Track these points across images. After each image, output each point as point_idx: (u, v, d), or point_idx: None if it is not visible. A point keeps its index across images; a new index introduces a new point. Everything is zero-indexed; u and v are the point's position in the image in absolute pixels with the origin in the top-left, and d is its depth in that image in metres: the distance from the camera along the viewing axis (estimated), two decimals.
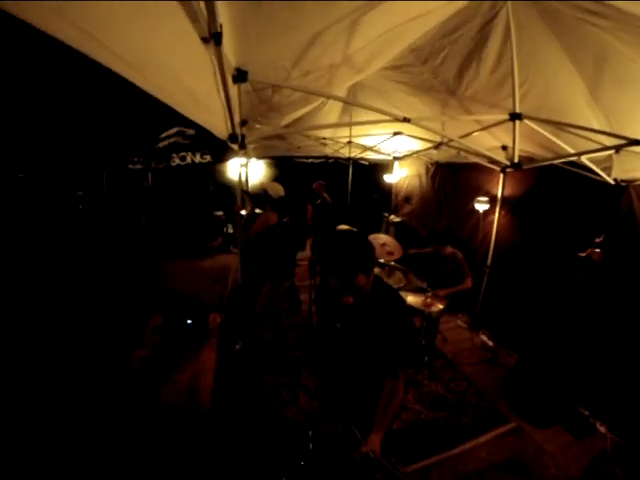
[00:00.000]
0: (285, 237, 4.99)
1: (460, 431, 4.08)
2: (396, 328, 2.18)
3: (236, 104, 3.01)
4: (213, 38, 1.62)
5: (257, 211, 5.68)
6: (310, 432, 3.31)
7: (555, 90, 3.55)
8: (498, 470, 3.59)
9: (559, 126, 3.62)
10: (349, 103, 4.10)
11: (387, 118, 3.43)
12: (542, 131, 3.61)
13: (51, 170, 9.03)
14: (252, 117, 4.04)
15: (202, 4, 1.42)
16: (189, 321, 4.92)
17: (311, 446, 3.20)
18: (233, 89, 2.72)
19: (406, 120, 3.25)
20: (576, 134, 3.61)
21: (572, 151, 3.71)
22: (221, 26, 1.58)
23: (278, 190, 4.97)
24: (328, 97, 3.83)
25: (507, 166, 5.58)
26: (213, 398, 3.67)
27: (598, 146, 3.53)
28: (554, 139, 3.71)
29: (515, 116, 3.22)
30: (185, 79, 2.14)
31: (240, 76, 2.54)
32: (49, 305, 5.81)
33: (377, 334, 2.20)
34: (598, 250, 4.65)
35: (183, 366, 4.11)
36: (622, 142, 3.01)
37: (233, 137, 3.23)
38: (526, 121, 3.29)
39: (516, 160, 3.47)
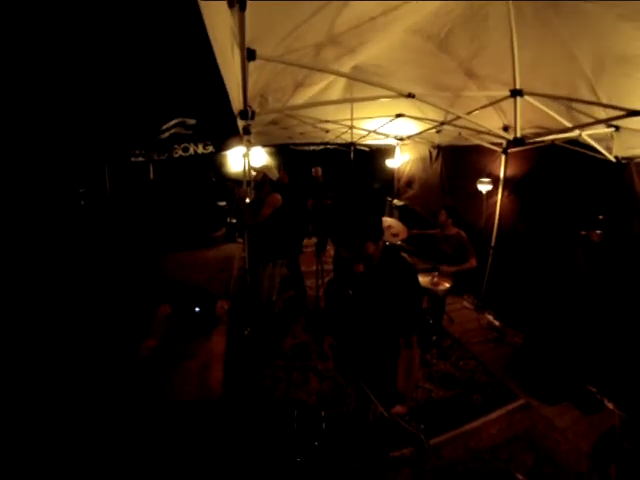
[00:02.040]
0: (287, 218, 5.01)
1: (470, 408, 4.10)
2: (407, 294, 2.22)
3: (248, 82, 3.01)
4: (238, 3, 1.66)
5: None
6: (323, 412, 3.34)
7: (558, 67, 3.57)
8: (509, 445, 3.61)
9: (561, 102, 3.64)
10: (351, 78, 4.09)
11: (390, 94, 3.43)
12: (544, 107, 3.61)
13: (52, 167, 9.01)
14: (259, 100, 4.06)
15: None
16: (197, 309, 4.96)
17: (324, 426, 3.24)
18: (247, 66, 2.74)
19: (410, 96, 3.25)
20: (578, 110, 3.63)
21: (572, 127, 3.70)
22: None
23: (274, 174, 5.03)
24: (330, 72, 3.82)
25: (508, 146, 5.60)
26: (224, 383, 3.70)
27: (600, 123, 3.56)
28: (556, 116, 3.70)
29: (516, 92, 3.22)
30: (222, 43, 2.19)
31: (250, 54, 2.55)
32: (55, 299, 5.83)
33: (388, 300, 2.23)
34: (598, 231, 4.68)
35: (193, 353, 4.15)
36: (620, 113, 3.02)
37: (244, 113, 3.22)
38: (527, 97, 3.28)
39: (518, 135, 3.46)
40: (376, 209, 2.16)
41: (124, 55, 9.65)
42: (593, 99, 3.50)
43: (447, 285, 4.90)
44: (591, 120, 3.54)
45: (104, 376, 3.89)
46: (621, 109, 2.98)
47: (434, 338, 5.15)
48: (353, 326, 2.61)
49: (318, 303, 5.88)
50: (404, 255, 5.49)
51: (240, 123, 4.29)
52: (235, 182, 6.13)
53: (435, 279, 4.93)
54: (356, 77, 4.28)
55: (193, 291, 5.34)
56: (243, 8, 1.68)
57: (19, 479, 2.84)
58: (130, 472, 2.89)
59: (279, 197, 4.86)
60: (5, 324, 4.68)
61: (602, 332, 4.51)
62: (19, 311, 5.17)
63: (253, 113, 3.40)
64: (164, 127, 9.76)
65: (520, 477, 2.99)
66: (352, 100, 4.10)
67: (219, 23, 1.90)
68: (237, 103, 3.28)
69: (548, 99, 3.66)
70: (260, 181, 5.00)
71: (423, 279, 4.98)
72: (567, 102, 3.75)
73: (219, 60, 2.30)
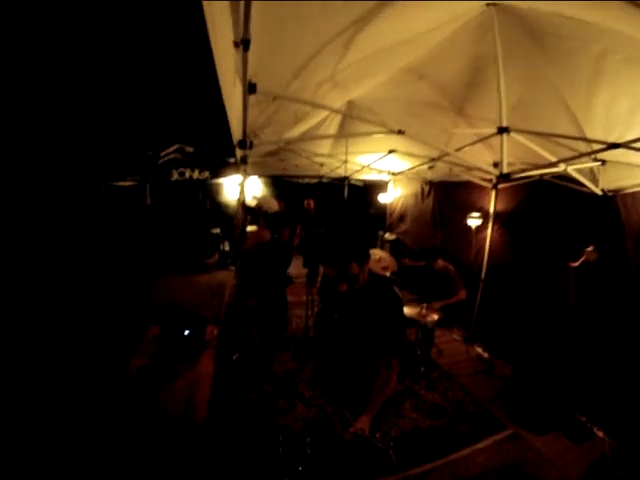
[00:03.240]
0: (274, 254, 5.05)
1: (457, 438, 4.08)
2: (388, 317, 2.32)
3: (248, 114, 3.14)
4: (243, 44, 1.82)
5: (249, 228, 5.77)
6: (308, 439, 3.33)
7: (545, 105, 3.78)
8: (497, 475, 3.59)
9: (545, 137, 3.78)
10: (347, 115, 4.23)
11: (382, 129, 3.56)
12: (531, 144, 3.75)
13: (52, 182, 9.15)
14: (255, 132, 4.17)
15: (242, 11, 1.61)
16: (186, 332, 4.95)
17: (309, 451, 3.23)
18: (247, 99, 2.88)
19: (400, 132, 3.39)
20: (564, 145, 3.78)
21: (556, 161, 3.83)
22: (251, 35, 1.80)
23: (273, 205, 5.07)
24: (324, 107, 3.96)
25: (498, 182, 5.73)
26: (210, 405, 3.69)
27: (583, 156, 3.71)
28: (542, 152, 3.87)
29: (503, 130, 3.35)
30: (231, 79, 2.31)
31: (251, 88, 2.69)
32: (49, 315, 5.86)
33: (371, 323, 2.34)
34: (591, 249, 4.77)
35: (180, 374, 4.13)
36: (601, 147, 3.18)
37: (242, 143, 3.34)
38: (513, 134, 3.40)
39: (505, 171, 3.58)
40: (364, 234, 2.28)
41: (130, 81, 9.92)
42: (578, 134, 3.67)
43: (435, 317, 4.96)
44: (575, 154, 3.66)
45: (91, 391, 3.89)
46: (602, 142, 3.11)
47: (422, 369, 5.17)
48: (336, 348, 2.67)
49: (307, 332, 5.89)
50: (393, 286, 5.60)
51: (238, 152, 4.40)
52: (248, 210, 6.20)
53: (424, 311, 4.99)
54: (351, 114, 4.45)
55: (183, 314, 5.34)
56: (246, 49, 1.85)
57: None
58: None
59: (267, 233, 4.96)
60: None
61: (590, 361, 4.55)
62: (16, 328, 5.20)
63: (251, 143, 3.51)
64: (163, 153, 9.96)
65: None
66: (346, 136, 4.25)
67: (225, 58, 2.06)
68: (237, 133, 3.40)
69: (535, 136, 3.80)
70: (255, 211, 5.07)
71: (412, 310, 5.04)
72: (554, 138, 3.89)
73: (223, 92, 2.47)
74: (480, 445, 4.00)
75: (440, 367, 5.55)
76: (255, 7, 1.73)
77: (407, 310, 5.05)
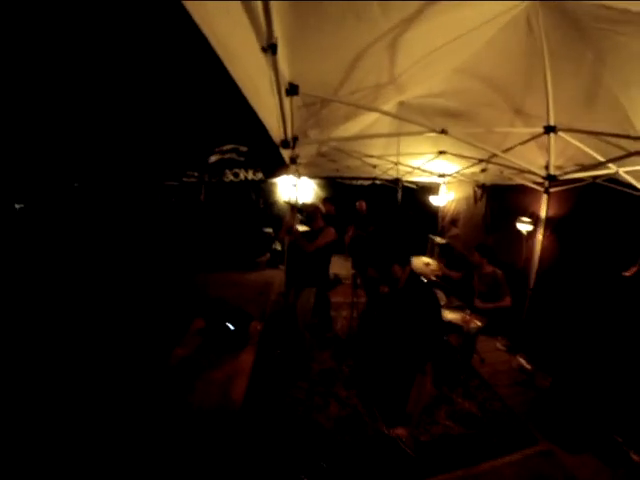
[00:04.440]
0: (330, 250, 5.17)
1: (488, 449, 4.00)
2: (423, 321, 2.36)
3: (288, 115, 3.26)
4: (270, 48, 1.89)
5: (301, 228, 5.88)
6: (338, 437, 3.41)
7: (595, 102, 3.63)
8: None
9: (597, 138, 3.67)
10: (390, 115, 4.24)
11: (423, 129, 3.58)
12: (579, 144, 3.64)
13: (113, 177, 9.63)
14: (303, 132, 4.25)
15: (262, 16, 1.67)
16: (231, 326, 5.13)
17: (335, 450, 3.31)
18: (286, 101, 2.98)
19: (444, 132, 3.39)
20: (614, 144, 3.65)
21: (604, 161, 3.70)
22: (276, 38, 1.85)
23: (329, 209, 5.20)
24: (370, 110, 4.01)
25: (550, 185, 5.59)
26: (246, 398, 3.82)
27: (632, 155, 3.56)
28: (591, 151, 3.75)
29: (550, 129, 3.28)
30: (257, 83, 2.43)
31: (292, 89, 2.84)
32: (103, 303, 6.20)
33: (407, 325, 2.40)
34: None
35: (220, 366, 4.30)
36: None
37: (285, 143, 3.46)
38: (561, 134, 3.33)
39: (552, 172, 3.52)
40: (407, 238, 2.35)
41: (188, 84, 10.26)
42: (631, 133, 3.52)
43: (479, 324, 4.88)
44: (623, 153, 3.53)
45: (133, 378, 4.09)
46: None
47: (462, 377, 5.12)
48: (374, 346, 2.75)
49: (350, 333, 5.94)
50: (438, 291, 5.57)
51: (285, 152, 4.50)
52: (299, 211, 6.33)
53: (467, 317, 4.93)
54: (398, 115, 4.45)
55: (229, 309, 5.51)
56: (274, 52, 1.92)
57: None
58: (144, 472, 3.04)
59: (333, 231, 5.06)
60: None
61: (636, 379, 4.40)
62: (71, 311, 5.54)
63: (295, 143, 3.60)
64: (216, 150, 10.23)
65: None
66: (390, 135, 4.26)
67: (252, 62, 2.14)
68: (277, 134, 3.49)
69: (585, 135, 3.71)
70: (312, 212, 5.18)
71: (455, 315, 5.00)
72: (605, 138, 3.78)
73: (250, 96, 2.55)
74: (510, 458, 3.91)
75: (480, 376, 5.46)
76: (279, 10, 1.84)
77: (450, 315, 5.01)
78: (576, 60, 3.31)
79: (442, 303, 5.50)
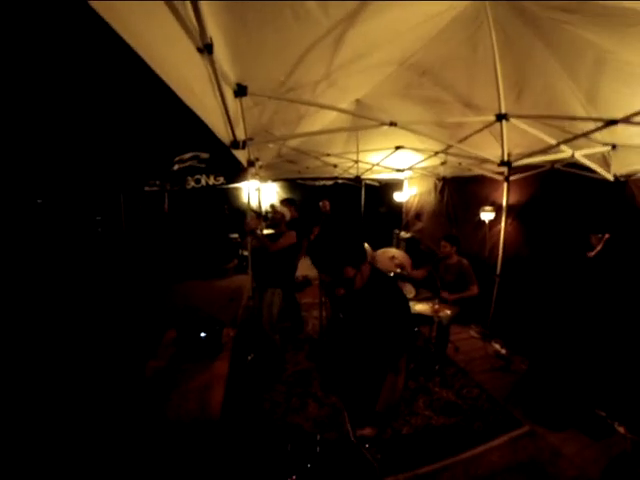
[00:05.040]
0: (294, 252, 5.15)
1: (471, 435, 4.03)
2: (390, 318, 2.26)
3: (238, 117, 3.20)
4: (206, 49, 1.86)
5: (266, 231, 5.86)
6: (318, 436, 3.35)
7: (547, 89, 3.71)
8: (512, 473, 3.52)
9: (551, 124, 3.73)
10: (341, 110, 4.26)
11: (373, 123, 3.60)
12: (533, 130, 3.71)
13: (70, 193, 9.37)
14: (257, 133, 4.21)
15: (192, 17, 1.64)
16: (202, 334, 5.03)
17: (318, 449, 3.25)
18: (235, 103, 2.94)
19: (392, 124, 3.40)
20: (568, 130, 3.72)
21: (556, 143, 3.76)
22: (211, 38, 1.83)
23: (290, 211, 5.21)
24: (323, 107, 3.99)
25: (509, 174, 5.68)
26: (223, 404, 3.74)
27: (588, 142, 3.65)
28: (543, 136, 3.82)
29: (501, 116, 3.34)
30: (194, 85, 2.37)
31: (241, 90, 2.81)
32: (68, 320, 6.02)
33: (373, 323, 2.29)
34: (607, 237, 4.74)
35: (195, 375, 4.20)
36: (600, 124, 3.13)
37: (235, 143, 3.41)
38: (513, 120, 3.38)
39: (505, 159, 3.57)
40: (357, 236, 2.27)
41: (142, 89, 10.08)
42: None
43: (448, 312, 4.90)
44: (571, 135, 3.61)
45: (108, 392, 3.98)
46: (600, 120, 3.07)
47: (437, 367, 5.14)
48: (342, 348, 2.68)
49: (322, 333, 5.91)
50: (406, 284, 5.59)
51: (240, 155, 4.45)
52: (258, 214, 6.31)
53: (436, 306, 4.95)
54: (350, 111, 4.45)
55: (200, 318, 5.42)
56: (210, 52, 1.90)
57: None
58: None
59: (294, 235, 5.13)
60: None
61: (610, 354, 4.47)
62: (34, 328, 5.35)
63: (244, 144, 3.55)
64: (177, 159, 10.10)
65: None
66: (342, 130, 4.26)
67: (192, 64, 2.11)
68: (225, 135, 3.45)
69: (538, 121, 3.78)
70: (278, 220, 5.21)
71: (424, 307, 5.01)
72: (557, 123, 3.86)
73: (191, 102, 2.50)
74: (495, 443, 3.94)
75: (456, 364, 5.50)
76: (211, 11, 1.82)
77: (419, 307, 5.03)
78: (526, 50, 3.38)
79: (411, 295, 5.54)
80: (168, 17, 1.58)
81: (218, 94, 2.47)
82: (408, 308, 2.41)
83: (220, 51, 2.09)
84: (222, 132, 3.35)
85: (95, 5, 1.27)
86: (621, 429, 4.06)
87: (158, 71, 1.86)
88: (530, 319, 5.73)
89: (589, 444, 3.96)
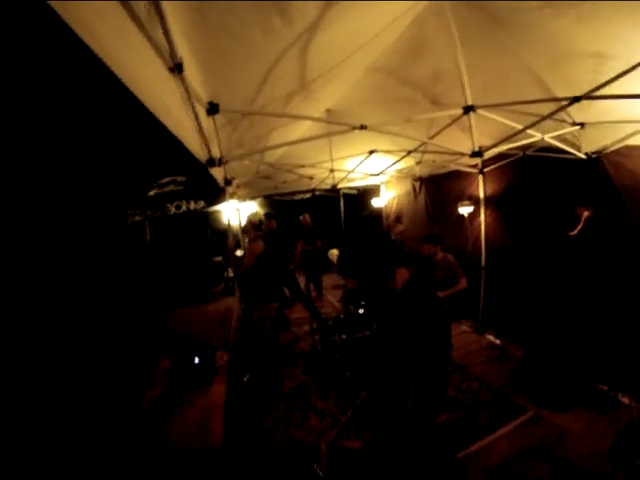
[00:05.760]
0: (271, 262, 5.09)
1: (477, 428, 4.01)
2: (407, 334, 2.18)
3: (213, 134, 3.21)
4: (177, 68, 1.89)
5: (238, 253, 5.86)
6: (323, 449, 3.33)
7: (514, 78, 3.80)
8: (523, 458, 3.51)
9: (520, 113, 3.80)
10: (313, 119, 4.29)
11: (345, 128, 3.62)
12: (502, 119, 3.78)
13: (51, 231, 9.28)
14: (231, 150, 4.21)
15: (162, 37, 1.68)
16: (197, 360, 4.97)
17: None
18: (208, 121, 2.95)
19: (363, 127, 3.44)
20: (535, 115, 3.78)
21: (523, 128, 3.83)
22: (181, 58, 1.85)
23: (256, 215, 5.12)
24: (296, 117, 4.03)
25: (483, 166, 5.74)
26: (225, 429, 3.68)
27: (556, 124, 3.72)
28: (510, 122, 3.92)
29: (468, 108, 3.39)
30: (169, 104, 2.41)
31: (213, 108, 2.84)
32: (64, 360, 5.94)
33: (397, 339, 2.23)
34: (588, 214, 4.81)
35: (193, 402, 4.14)
36: (565, 103, 3.21)
37: (211, 161, 3.41)
38: (480, 111, 3.43)
39: (476, 149, 3.62)
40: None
41: (115, 118, 10.04)
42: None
43: None
44: (538, 118, 3.66)
45: (109, 427, 3.92)
46: (565, 99, 3.12)
47: None
48: (370, 359, 2.62)
49: (315, 346, 5.88)
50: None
51: (216, 173, 4.44)
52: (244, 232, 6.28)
53: None
54: (317, 118, 4.50)
55: (193, 344, 5.37)
56: (180, 71, 1.91)
57: None
58: None
59: (261, 244, 5.02)
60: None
61: (605, 326, 4.52)
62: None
63: (220, 161, 3.55)
64: (155, 185, 10.06)
65: None
66: (313, 138, 4.27)
67: (164, 84, 2.14)
68: (201, 153, 3.45)
69: (507, 110, 3.83)
70: (247, 227, 5.15)
71: None
72: (527, 110, 3.92)
73: (167, 121, 2.54)
74: (501, 432, 3.94)
75: (452, 360, 5.50)
76: (182, 32, 1.86)
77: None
78: (489, 42, 3.46)
79: None
80: (140, 38, 1.61)
81: (191, 113, 2.49)
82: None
83: (191, 70, 2.12)
84: (198, 150, 3.37)
85: (72, 24, 1.29)
86: (625, 399, 4.11)
87: (136, 92, 1.91)
88: (521, 306, 5.76)
89: (595, 419, 3.98)
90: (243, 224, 5.29)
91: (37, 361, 6.12)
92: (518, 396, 4.51)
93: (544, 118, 3.54)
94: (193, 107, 2.40)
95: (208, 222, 11.78)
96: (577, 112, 3.98)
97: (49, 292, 8.49)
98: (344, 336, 4.87)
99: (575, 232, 4.97)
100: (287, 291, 6.84)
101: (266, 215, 7.60)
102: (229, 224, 5.49)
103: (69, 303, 8.55)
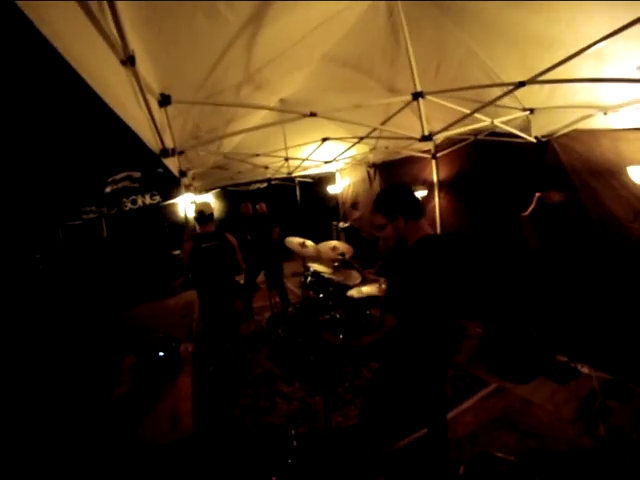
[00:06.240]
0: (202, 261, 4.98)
1: None
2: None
3: (165, 126, 3.19)
4: (129, 61, 1.89)
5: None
6: (293, 431, 3.40)
7: (462, 64, 3.98)
8: (488, 429, 3.67)
9: (464, 96, 3.95)
10: (266, 108, 4.32)
11: (294, 116, 3.71)
12: (451, 105, 3.96)
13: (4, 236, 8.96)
14: (185, 141, 4.17)
15: (114, 30, 1.69)
16: (161, 354, 4.94)
17: (295, 443, 3.29)
18: (161, 113, 2.92)
19: (312, 114, 3.49)
20: (480, 101, 3.91)
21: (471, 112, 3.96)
22: (133, 50, 1.87)
23: (201, 206, 4.92)
24: (249, 106, 4.03)
25: (436, 151, 5.87)
26: (195, 419, 3.69)
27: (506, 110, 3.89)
28: (459, 108, 4.04)
29: (417, 95, 3.48)
30: (123, 96, 2.41)
31: (164, 100, 2.85)
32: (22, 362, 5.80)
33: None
34: (557, 193, 4.94)
35: (161, 395, 4.13)
36: (510, 87, 3.30)
37: (164, 152, 3.38)
38: (429, 97, 3.53)
39: (426, 133, 3.74)
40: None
41: (66, 114, 9.72)
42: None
43: None
44: (486, 102, 3.79)
45: (77, 427, 3.87)
46: (510, 84, 3.24)
47: None
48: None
49: (278, 332, 5.94)
50: (355, 273, 5.67)
51: (170, 164, 4.40)
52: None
53: (382, 286, 5.04)
54: (268, 107, 4.54)
55: (156, 338, 5.32)
56: (133, 63, 1.92)
57: None
58: None
59: (188, 244, 4.91)
60: None
61: (562, 301, 4.74)
62: None
63: (173, 151, 3.53)
64: (109, 180, 9.84)
65: (499, 455, 2.94)
66: (266, 125, 4.27)
67: (116, 76, 2.14)
68: (154, 144, 3.42)
69: (459, 99, 3.97)
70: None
71: (371, 288, 5.12)
72: (476, 97, 4.04)
73: (121, 113, 2.55)
74: (465, 405, 4.11)
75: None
76: (133, 24, 1.88)
77: (367, 289, 5.16)
78: (437, 30, 3.61)
79: (357, 282, 5.60)
80: (92, 31, 1.60)
81: (144, 105, 2.48)
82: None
83: (142, 62, 2.12)
84: (151, 141, 3.35)
85: (22, 6, 1.29)
86: (585, 369, 4.31)
87: (92, 85, 1.94)
88: (478, 284, 5.92)
89: (557, 389, 4.19)
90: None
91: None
92: (479, 370, 4.70)
93: (490, 102, 3.66)
94: (145, 99, 2.40)
95: (165, 216, 11.65)
96: (527, 98, 4.15)
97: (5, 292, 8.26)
98: (306, 320, 4.97)
99: (527, 212, 5.14)
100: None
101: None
102: (186, 217, 5.44)
103: (28, 302, 8.34)
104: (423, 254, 2.45)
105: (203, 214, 4.76)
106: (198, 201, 5.64)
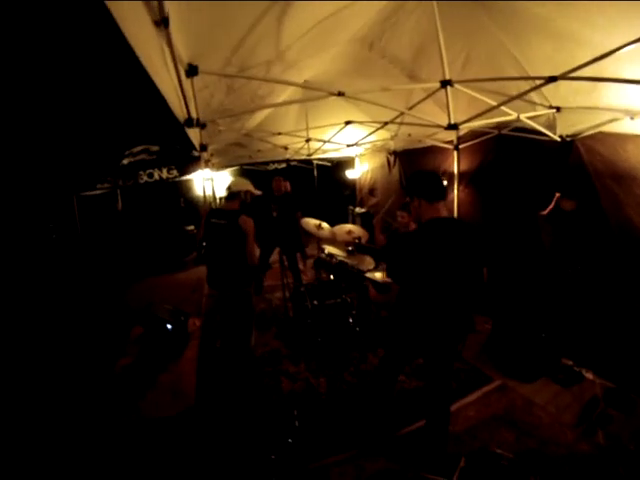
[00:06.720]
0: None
1: None
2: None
3: (190, 96, 3.15)
4: (162, 22, 1.87)
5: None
6: (295, 411, 3.40)
7: (492, 58, 3.90)
8: (489, 425, 3.65)
9: (496, 91, 3.86)
10: (293, 84, 4.24)
11: (322, 94, 3.66)
12: (477, 95, 3.82)
13: (21, 202, 8.99)
14: (209, 115, 4.14)
15: None
16: (169, 326, 4.97)
17: (297, 423, 3.29)
18: (187, 83, 2.89)
19: (341, 94, 3.44)
20: (507, 95, 3.83)
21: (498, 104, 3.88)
22: (168, 12, 1.83)
23: (236, 184, 4.74)
24: (277, 81, 3.96)
25: (458, 142, 5.78)
26: (197, 392, 3.72)
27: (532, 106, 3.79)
28: (486, 99, 3.91)
29: (446, 82, 3.43)
30: (155, 59, 2.38)
31: (192, 70, 2.81)
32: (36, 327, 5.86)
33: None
34: (558, 196, 4.86)
35: (166, 367, 4.16)
36: (540, 82, 3.23)
37: (189, 121, 3.39)
38: (457, 86, 3.47)
39: (452, 122, 3.67)
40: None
41: (87, 85, 9.71)
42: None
43: None
44: (514, 95, 3.71)
45: (79, 394, 3.90)
46: (541, 78, 3.17)
47: None
48: None
49: (287, 313, 5.93)
50: (368, 258, 5.64)
51: (193, 135, 4.38)
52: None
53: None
54: (294, 83, 4.44)
55: (164, 311, 5.35)
56: (167, 25, 1.90)
57: None
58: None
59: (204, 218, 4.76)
60: None
61: (572, 304, 4.65)
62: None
63: (198, 121, 3.51)
64: (127, 152, 9.84)
65: (498, 451, 2.98)
66: (292, 102, 4.22)
67: (147, 41, 2.11)
68: (180, 112, 3.40)
69: (486, 91, 3.89)
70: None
71: (383, 274, 5.09)
72: (503, 90, 3.96)
73: (153, 76, 2.55)
74: (468, 399, 4.08)
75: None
76: None
77: (380, 275, 5.18)
78: (471, 22, 3.54)
79: (371, 267, 5.58)
80: None
81: (173, 71, 2.47)
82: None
83: (175, 27, 2.05)
84: (177, 109, 3.35)
85: None
86: (589, 375, 4.26)
87: (133, 45, 1.97)
88: (490, 279, 5.85)
89: (560, 392, 4.14)
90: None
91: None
92: (485, 366, 4.67)
93: (518, 96, 3.59)
94: (175, 65, 2.38)
95: (181, 191, 11.69)
96: (554, 96, 4.06)
97: (21, 264, 8.34)
98: (315, 302, 4.98)
99: (546, 212, 5.05)
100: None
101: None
102: (204, 192, 5.42)
103: (42, 274, 8.41)
104: (425, 232, 2.69)
105: (229, 190, 4.67)
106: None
